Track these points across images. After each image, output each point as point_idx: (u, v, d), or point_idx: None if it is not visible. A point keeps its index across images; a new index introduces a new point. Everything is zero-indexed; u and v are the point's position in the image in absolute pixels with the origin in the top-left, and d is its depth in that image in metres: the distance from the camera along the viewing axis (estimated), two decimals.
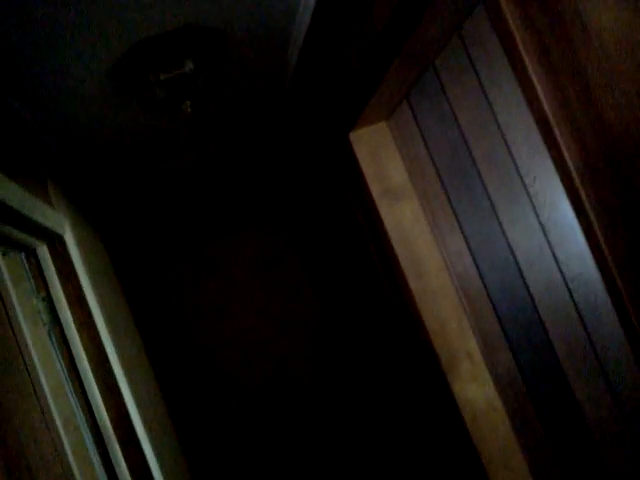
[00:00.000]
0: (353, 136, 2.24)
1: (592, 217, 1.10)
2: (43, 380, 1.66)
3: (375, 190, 2.20)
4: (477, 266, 2.23)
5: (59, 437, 1.59)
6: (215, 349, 3.14)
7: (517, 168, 2.26)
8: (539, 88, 1.10)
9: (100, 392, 1.89)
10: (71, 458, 1.64)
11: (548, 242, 2.27)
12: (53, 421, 1.60)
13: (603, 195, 1.09)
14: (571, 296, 2.26)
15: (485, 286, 2.22)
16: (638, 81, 0.92)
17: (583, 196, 1.11)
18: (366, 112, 2.07)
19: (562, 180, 1.18)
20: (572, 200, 1.16)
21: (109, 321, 2.14)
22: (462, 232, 2.23)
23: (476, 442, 2.06)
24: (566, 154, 1.14)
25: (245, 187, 3.24)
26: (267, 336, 3.17)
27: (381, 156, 2.22)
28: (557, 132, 1.13)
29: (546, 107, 1.10)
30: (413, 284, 2.20)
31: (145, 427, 2.05)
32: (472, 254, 2.23)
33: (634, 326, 1.20)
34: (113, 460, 1.84)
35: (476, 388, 2.14)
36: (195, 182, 3.20)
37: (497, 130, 2.25)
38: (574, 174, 1.12)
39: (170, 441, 2.54)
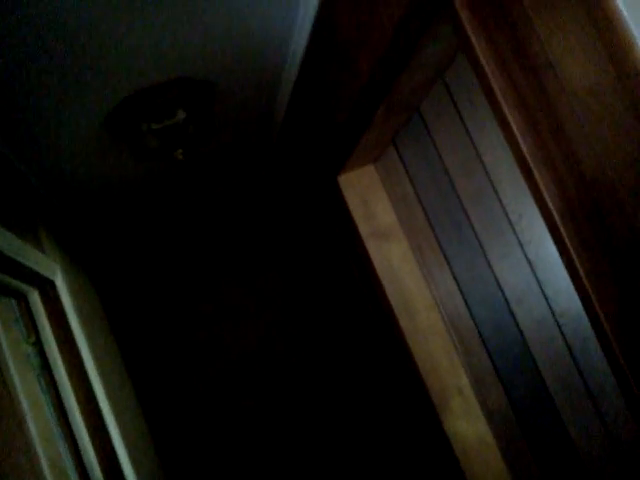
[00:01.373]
0: (341, 179, 2.28)
1: (574, 255, 1.13)
2: (31, 424, 1.66)
3: (364, 231, 2.24)
4: (467, 303, 2.26)
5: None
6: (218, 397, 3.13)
7: (503, 207, 2.31)
8: (517, 133, 1.15)
9: (88, 434, 1.89)
10: None
11: (536, 278, 2.30)
12: (39, 464, 1.59)
13: (583, 234, 1.12)
14: (561, 331, 2.29)
15: (475, 323, 2.24)
16: (608, 125, 0.96)
17: (564, 235, 1.14)
18: (353, 157, 2.11)
19: (544, 219, 1.21)
20: (554, 238, 1.19)
21: (98, 363, 2.14)
22: (451, 270, 2.26)
23: (468, 477, 2.05)
24: (546, 195, 1.18)
25: (238, 232, 3.28)
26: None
27: (369, 198, 2.26)
28: (537, 174, 1.18)
29: (525, 152, 1.15)
30: (403, 323, 2.22)
31: (133, 466, 2.04)
32: (461, 292, 2.26)
33: (621, 365, 1.22)
34: None
35: (467, 424, 2.14)
36: (185, 227, 3.23)
37: (482, 170, 2.30)
38: (554, 214, 1.15)
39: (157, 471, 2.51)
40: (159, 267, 3.21)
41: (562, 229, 1.13)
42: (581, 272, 1.15)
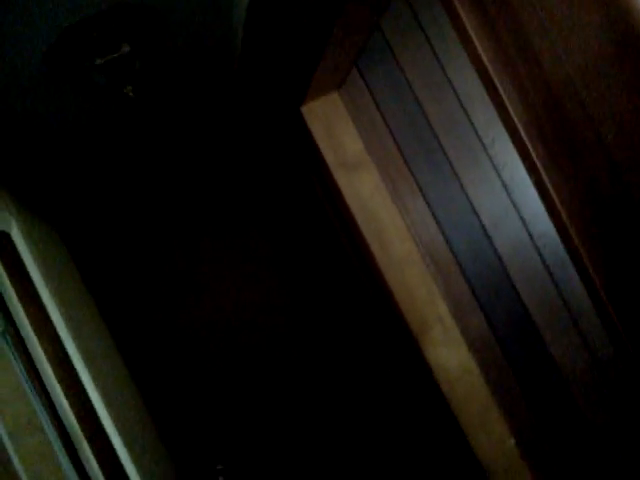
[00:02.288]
0: (305, 109, 2.18)
1: (542, 171, 1.06)
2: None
3: (331, 162, 2.15)
4: (442, 231, 2.20)
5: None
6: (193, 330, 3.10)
7: (475, 130, 2.22)
8: (479, 45, 1.05)
9: (62, 389, 1.84)
10: (36, 459, 1.60)
11: (512, 202, 2.24)
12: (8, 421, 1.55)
13: (551, 148, 1.05)
14: (539, 254, 2.24)
15: (452, 250, 2.19)
16: (575, 32, 0.87)
17: (531, 150, 1.07)
18: (314, 83, 2.00)
19: (510, 137, 1.14)
20: (522, 155, 1.12)
21: (67, 315, 2.08)
22: (424, 198, 2.19)
23: (453, 405, 2.04)
24: (511, 110, 1.09)
25: (207, 173, 3.17)
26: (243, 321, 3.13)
27: (335, 127, 2.16)
28: (499, 86, 1.09)
29: (486, 62, 1.06)
30: (378, 254, 2.16)
31: (113, 418, 2.00)
32: (436, 219, 2.20)
33: (592, 280, 1.18)
34: (82, 457, 1.80)
35: (449, 352, 2.12)
36: (151, 172, 3.12)
37: (452, 93, 2.21)
38: (520, 129, 1.08)
39: (142, 422, 2.50)
40: (128, 216, 3.11)
41: (529, 145, 1.05)
42: (549, 185, 1.09)
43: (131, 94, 1.88)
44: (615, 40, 0.84)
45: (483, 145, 2.20)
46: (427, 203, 2.20)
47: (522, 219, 2.21)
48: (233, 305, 3.13)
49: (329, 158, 2.14)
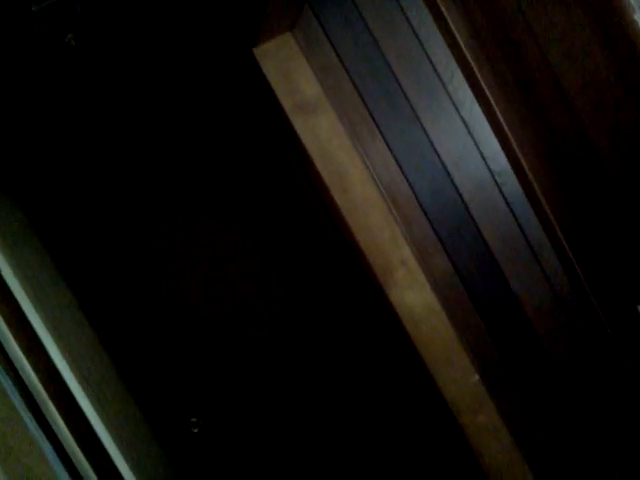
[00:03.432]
0: (258, 51, 2.11)
1: (488, 94, 1.03)
2: None
3: (288, 106, 2.09)
4: (403, 172, 2.17)
5: None
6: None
7: (434, 66, 2.18)
8: None
9: (23, 352, 1.81)
10: (2, 424, 1.57)
11: (472, 139, 2.22)
12: None
13: (498, 69, 1.02)
14: (500, 191, 2.24)
15: (413, 191, 2.17)
16: None
17: (478, 73, 1.04)
18: (266, 21, 1.93)
19: (457, 64, 1.10)
20: (469, 82, 1.09)
21: (25, 278, 2.03)
22: (384, 139, 2.16)
23: (418, 345, 2.05)
24: (456, 34, 1.06)
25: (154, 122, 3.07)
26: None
27: (289, 69, 2.10)
28: (445, 12, 1.05)
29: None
30: (339, 199, 2.14)
31: (78, 378, 1.98)
32: (397, 161, 2.17)
33: (546, 214, 1.17)
34: (49, 420, 1.78)
35: (414, 294, 2.12)
36: (111, 129, 3.01)
37: (409, 28, 2.15)
38: (466, 52, 1.04)
39: (115, 387, 2.49)
40: (88, 178, 3.02)
41: (475, 68, 1.02)
42: (499, 115, 1.06)
43: (73, 42, 1.79)
44: None
45: (442, 82, 2.16)
46: (387, 144, 2.17)
47: (482, 156, 2.19)
48: (205, 274, 3.09)
49: (285, 101, 2.09)
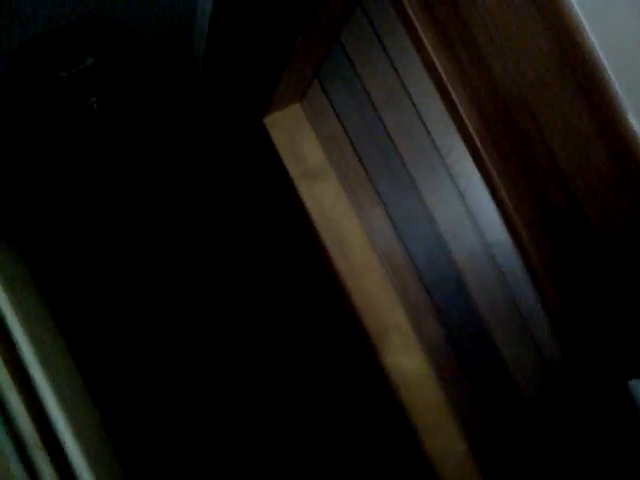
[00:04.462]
0: (268, 120, 2.22)
1: (494, 175, 1.12)
2: None
3: (294, 172, 2.20)
4: (401, 239, 2.26)
5: None
6: None
7: (432, 140, 2.29)
8: (431, 51, 1.11)
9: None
10: None
11: (468, 210, 2.32)
12: None
13: (503, 152, 1.11)
14: (493, 261, 2.31)
15: (410, 258, 2.25)
16: (518, 37, 0.94)
17: (484, 155, 1.13)
18: (277, 94, 2.05)
19: (465, 142, 1.20)
20: (475, 161, 1.18)
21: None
22: (384, 207, 2.25)
23: (408, 409, 2.09)
24: (464, 114, 1.16)
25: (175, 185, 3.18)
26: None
27: (297, 138, 2.21)
28: (453, 93, 1.15)
29: (440, 70, 1.12)
30: (339, 262, 2.21)
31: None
32: (395, 228, 2.26)
33: (544, 285, 1.24)
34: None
35: (406, 358, 2.18)
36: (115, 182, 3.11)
37: (410, 103, 2.27)
38: (474, 135, 1.14)
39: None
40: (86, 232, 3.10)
41: (482, 150, 1.12)
42: (503, 192, 1.15)
43: (95, 105, 1.89)
44: (558, 51, 0.91)
45: (440, 154, 2.27)
46: (386, 211, 2.26)
47: (477, 227, 2.28)
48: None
49: (291, 168, 2.19)
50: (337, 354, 2.97)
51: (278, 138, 2.21)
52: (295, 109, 2.22)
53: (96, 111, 2.00)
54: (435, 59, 1.12)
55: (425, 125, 2.25)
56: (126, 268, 3.12)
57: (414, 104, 2.24)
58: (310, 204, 2.21)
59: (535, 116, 1.02)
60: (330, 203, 2.22)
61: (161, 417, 3.06)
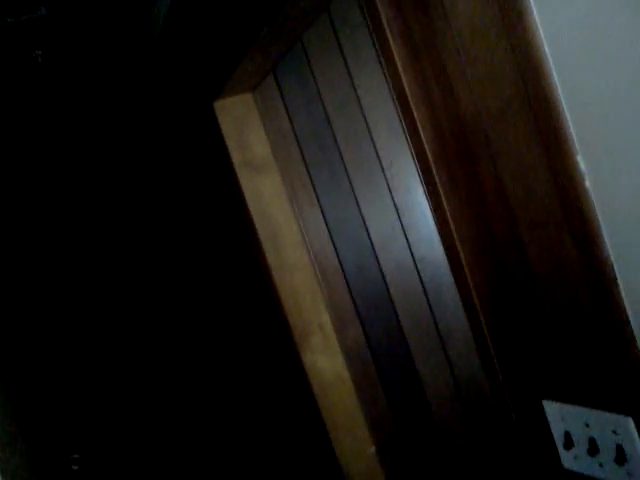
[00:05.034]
0: (217, 105, 2.20)
1: (442, 196, 1.16)
2: None
3: (236, 160, 2.18)
4: (333, 242, 2.28)
5: None
6: None
7: (376, 151, 2.33)
8: (400, 67, 1.14)
9: None
10: None
11: (401, 224, 2.37)
12: None
13: (454, 175, 1.15)
14: (418, 275, 2.38)
15: (340, 262, 2.28)
16: (487, 65, 0.97)
17: (435, 175, 1.16)
18: (231, 82, 2.03)
19: (417, 160, 1.23)
20: (425, 179, 1.21)
21: None
22: (321, 208, 2.27)
23: (323, 411, 2.12)
24: (422, 135, 1.19)
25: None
26: None
27: (244, 127, 2.20)
28: (415, 112, 1.18)
29: (406, 87, 1.14)
30: (270, 257, 2.21)
31: None
32: (329, 230, 2.28)
33: (474, 305, 1.28)
34: None
35: (326, 359, 2.20)
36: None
37: (359, 112, 2.30)
38: (428, 154, 1.17)
39: None
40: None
41: (434, 170, 1.15)
42: (447, 213, 1.19)
43: (40, 60, 1.81)
44: (523, 86, 0.95)
45: (381, 165, 2.31)
46: (323, 213, 2.28)
47: (408, 241, 2.34)
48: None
49: (235, 156, 2.18)
50: (262, 349, 2.96)
51: (225, 124, 2.19)
52: (246, 98, 2.21)
53: (40, 65, 1.91)
54: (402, 73, 1.15)
55: (371, 136, 2.29)
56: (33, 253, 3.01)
57: (364, 113, 2.28)
58: (249, 195, 2.20)
59: (490, 144, 1.06)
60: (269, 197, 2.22)
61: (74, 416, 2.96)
